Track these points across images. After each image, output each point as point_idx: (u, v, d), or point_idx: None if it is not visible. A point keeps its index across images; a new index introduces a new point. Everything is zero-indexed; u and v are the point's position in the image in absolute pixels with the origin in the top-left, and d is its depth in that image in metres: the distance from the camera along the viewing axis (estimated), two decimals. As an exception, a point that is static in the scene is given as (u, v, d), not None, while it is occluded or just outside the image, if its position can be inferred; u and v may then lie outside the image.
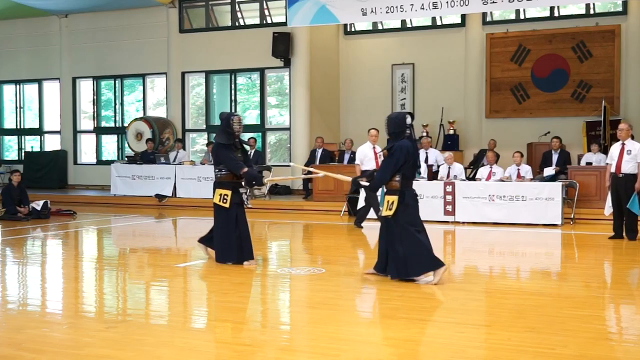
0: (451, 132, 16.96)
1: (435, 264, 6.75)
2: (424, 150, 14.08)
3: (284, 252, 10.09)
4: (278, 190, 16.83)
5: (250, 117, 19.26)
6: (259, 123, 18.72)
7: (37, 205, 13.31)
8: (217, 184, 7.88)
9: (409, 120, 6.88)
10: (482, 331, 5.22)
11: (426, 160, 13.81)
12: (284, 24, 16.76)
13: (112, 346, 4.73)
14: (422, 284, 6.72)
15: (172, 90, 19.31)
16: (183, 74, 19.21)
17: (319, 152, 15.56)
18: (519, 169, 12.76)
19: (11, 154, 22.19)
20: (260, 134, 18.43)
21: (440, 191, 12.48)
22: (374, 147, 11.42)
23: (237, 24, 18.95)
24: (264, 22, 18.57)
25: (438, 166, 13.68)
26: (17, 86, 21.70)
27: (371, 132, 11.67)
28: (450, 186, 12.48)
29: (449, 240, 11.04)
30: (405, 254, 6.69)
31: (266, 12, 18.61)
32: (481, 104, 17.38)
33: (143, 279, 7.49)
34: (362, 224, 11.73)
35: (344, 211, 13.77)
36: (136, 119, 18.80)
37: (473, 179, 13.54)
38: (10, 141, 22.33)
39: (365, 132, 11.02)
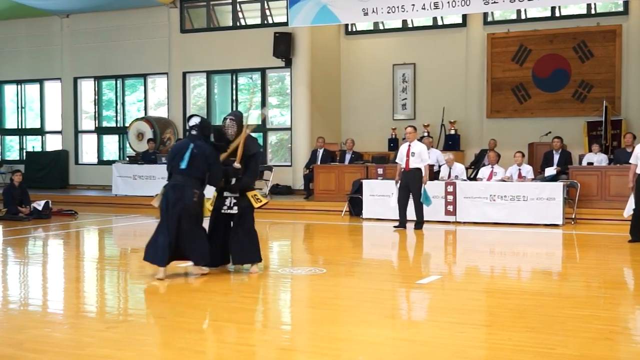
0: (452, 132, 16.95)
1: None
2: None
3: (285, 252, 10.09)
4: (279, 190, 16.84)
5: (251, 117, 19.23)
6: (259, 123, 18.71)
7: (39, 205, 13.32)
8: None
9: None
10: (482, 331, 5.23)
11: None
12: (285, 24, 16.77)
13: (113, 346, 4.74)
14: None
15: (173, 90, 19.32)
16: (184, 74, 19.22)
17: (320, 152, 15.57)
18: (520, 169, 12.75)
19: (12, 154, 22.21)
20: (261, 134, 18.42)
21: (441, 191, 12.46)
22: (409, 146, 11.34)
23: (238, 24, 18.96)
24: (265, 22, 18.58)
25: (439, 166, 13.68)
26: (19, 86, 21.71)
27: (407, 130, 11.58)
28: (452, 186, 12.47)
29: (450, 240, 11.04)
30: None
31: (267, 12, 18.61)
32: (482, 104, 17.37)
33: (144, 279, 7.50)
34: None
35: (345, 211, 13.78)
36: (137, 119, 18.81)
37: (474, 179, 13.53)
38: (12, 141, 22.34)
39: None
